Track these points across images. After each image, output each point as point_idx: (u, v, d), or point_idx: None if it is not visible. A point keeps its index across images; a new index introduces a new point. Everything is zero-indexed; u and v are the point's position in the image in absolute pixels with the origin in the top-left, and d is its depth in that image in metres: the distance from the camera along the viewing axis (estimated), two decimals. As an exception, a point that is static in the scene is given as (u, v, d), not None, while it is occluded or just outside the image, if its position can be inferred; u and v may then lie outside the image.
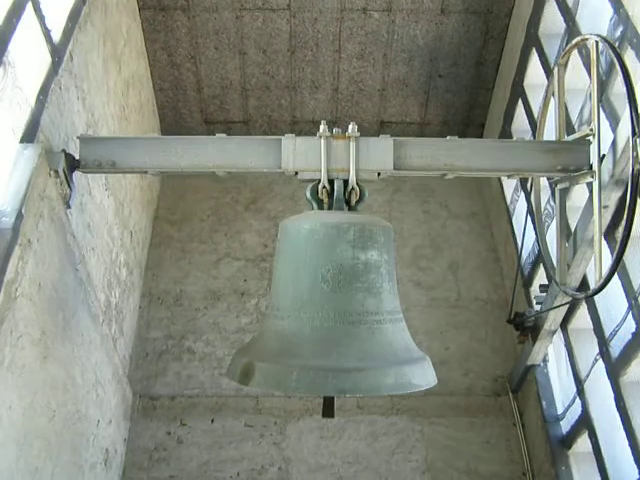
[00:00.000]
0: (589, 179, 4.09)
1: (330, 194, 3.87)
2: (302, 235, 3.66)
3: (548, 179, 4.85)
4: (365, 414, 6.45)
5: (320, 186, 3.87)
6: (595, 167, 4.03)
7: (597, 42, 4.03)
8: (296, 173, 4.07)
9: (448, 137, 4.31)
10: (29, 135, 4.07)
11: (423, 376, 3.36)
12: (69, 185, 4.24)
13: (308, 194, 3.89)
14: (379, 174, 4.07)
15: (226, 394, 6.56)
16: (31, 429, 3.98)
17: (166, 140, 4.33)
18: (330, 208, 3.83)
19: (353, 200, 3.85)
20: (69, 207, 4.39)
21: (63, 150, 4.20)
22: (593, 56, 4.06)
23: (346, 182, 3.88)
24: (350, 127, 4.03)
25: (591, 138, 4.15)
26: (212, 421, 6.41)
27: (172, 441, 6.30)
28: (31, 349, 3.91)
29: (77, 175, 4.30)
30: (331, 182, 3.88)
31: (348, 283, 3.46)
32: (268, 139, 4.19)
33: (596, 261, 3.79)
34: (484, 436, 6.38)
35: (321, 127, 4.00)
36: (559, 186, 4.54)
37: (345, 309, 3.40)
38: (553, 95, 4.74)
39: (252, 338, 3.72)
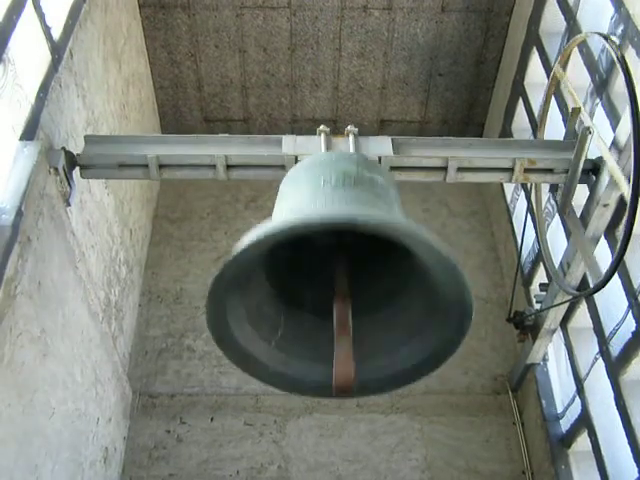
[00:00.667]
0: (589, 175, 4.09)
1: None
2: (303, 165, 3.46)
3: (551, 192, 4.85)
4: (365, 413, 6.44)
5: None
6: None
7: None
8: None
9: (445, 137, 4.32)
10: (29, 133, 4.07)
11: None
12: (69, 183, 4.24)
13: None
14: (380, 159, 4.07)
15: (226, 392, 6.55)
16: (31, 427, 3.99)
17: (167, 139, 4.35)
18: None
19: None
20: (69, 205, 4.39)
21: (63, 148, 4.20)
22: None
23: None
24: (349, 127, 4.05)
25: (589, 136, 4.15)
26: (212, 419, 6.41)
27: (172, 439, 6.29)
28: (30, 347, 3.91)
29: (76, 173, 4.30)
30: None
31: (354, 185, 3.10)
32: (269, 138, 4.22)
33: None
34: (484, 435, 6.38)
35: (321, 126, 4.02)
36: (559, 189, 4.54)
37: (353, 198, 3.03)
38: (554, 95, 4.75)
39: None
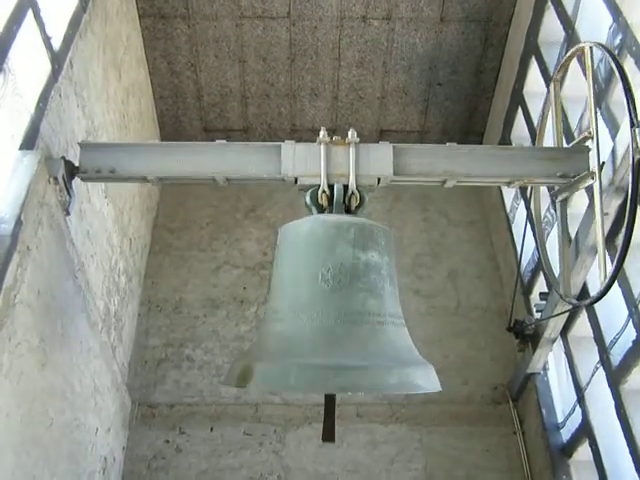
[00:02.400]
0: (589, 181, 4.08)
1: (330, 199, 3.85)
2: (301, 236, 3.62)
3: (548, 190, 4.85)
4: (364, 422, 6.43)
5: (320, 191, 3.85)
6: (595, 169, 4.02)
7: (592, 48, 4.07)
8: (296, 181, 4.07)
9: (447, 144, 4.31)
10: (29, 142, 4.07)
11: (427, 379, 3.26)
12: (68, 192, 4.24)
13: (307, 199, 3.87)
14: (379, 180, 4.07)
15: (225, 402, 6.54)
16: (29, 437, 3.97)
17: (166, 147, 4.34)
18: (330, 213, 3.81)
19: (353, 205, 3.83)
20: (68, 214, 4.38)
21: (63, 157, 4.20)
22: (588, 62, 4.09)
23: (346, 187, 3.87)
24: (350, 133, 4.04)
25: (590, 142, 4.15)
26: (211, 429, 6.39)
27: (171, 449, 6.27)
28: (29, 356, 3.89)
29: (76, 182, 4.30)
30: (331, 187, 3.87)
31: (349, 283, 3.36)
32: (268, 145, 4.21)
33: (600, 266, 3.76)
34: (484, 444, 6.36)
35: (321, 133, 4.01)
36: (559, 197, 4.53)
37: (346, 309, 3.29)
38: (551, 107, 4.75)
39: (250, 345, 3.69)
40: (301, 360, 3.13)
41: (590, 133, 4.15)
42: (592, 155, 4.14)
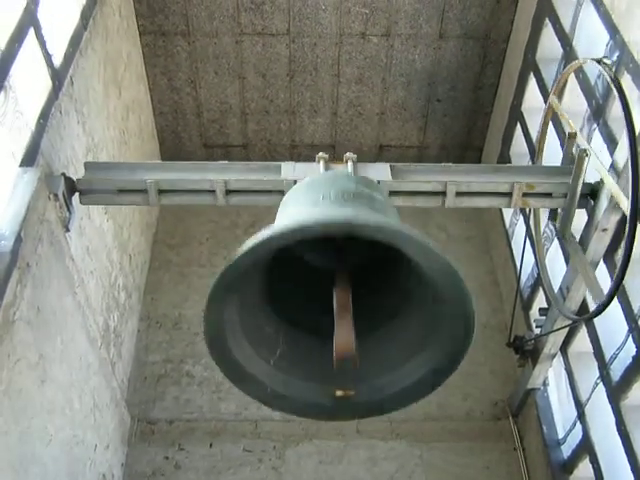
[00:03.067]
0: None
1: None
2: (301, 186, 3.50)
3: (549, 217, 4.87)
4: (364, 438, 6.40)
5: None
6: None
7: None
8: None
9: (443, 164, 4.35)
10: (29, 159, 4.09)
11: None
12: (68, 209, 4.26)
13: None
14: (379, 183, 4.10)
15: (225, 418, 6.51)
16: (27, 454, 3.95)
17: (168, 166, 4.39)
18: None
19: None
20: (68, 230, 4.40)
21: (63, 174, 4.22)
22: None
23: None
24: (348, 154, 4.08)
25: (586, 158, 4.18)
26: (210, 445, 6.36)
27: (170, 466, 6.24)
28: (28, 373, 3.89)
29: (76, 199, 4.32)
30: None
31: (353, 199, 3.12)
32: (268, 165, 4.26)
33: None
34: (484, 461, 6.33)
35: (320, 153, 4.06)
36: (559, 219, 4.56)
37: (349, 210, 3.03)
38: (551, 120, 4.79)
39: None
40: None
41: (587, 151, 4.18)
42: (590, 172, 4.17)
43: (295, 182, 4.06)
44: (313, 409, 3.37)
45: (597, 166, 4.20)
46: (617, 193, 4.02)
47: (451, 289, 2.86)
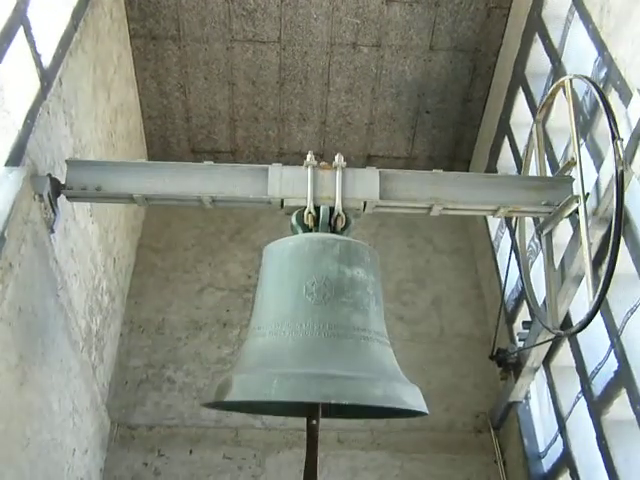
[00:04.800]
0: (574, 205, 4.11)
1: (316, 220, 3.87)
2: (286, 252, 3.59)
3: (534, 222, 4.88)
4: (345, 449, 6.37)
5: (306, 212, 3.88)
6: (579, 193, 4.07)
7: (571, 80, 4.18)
8: (282, 205, 4.09)
9: (434, 170, 4.35)
10: (15, 158, 4.05)
11: (414, 397, 3.14)
12: (53, 210, 4.22)
13: (293, 220, 3.90)
14: (365, 204, 4.09)
15: (205, 425, 6.47)
16: (4, 457, 3.90)
17: (153, 166, 4.35)
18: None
19: (339, 226, 3.86)
20: (53, 232, 4.36)
21: (49, 174, 4.19)
22: (569, 92, 4.17)
23: (332, 209, 3.89)
24: (337, 158, 4.08)
25: (574, 171, 4.20)
26: (190, 452, 6.31)
27: (149, 472, 6.18)
28: (7, 375, 3.84)
29: (62, 200, 4.28)
30: (317, 209, 3.89)
31: (334, 297, 3.29)
32: (255, 168, 4.23)
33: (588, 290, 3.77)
34: (465, 473, 6.32)
35: (308, 156, 4.05)
36: (544, 231, 4.57)
37: (330, 322, 3.20)
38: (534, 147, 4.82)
39: (231, 366, 3.64)
40: (283, 370, 3.04)
41: (573, 159, 4.20)
42: (576, 180, 4.18)
43: (282, 202, 4.06)
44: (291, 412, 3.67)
45: (583, 179, 4.22)
46: (602, 207, 4.05)
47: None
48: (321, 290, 3.30)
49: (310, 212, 3.87)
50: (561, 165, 4.56)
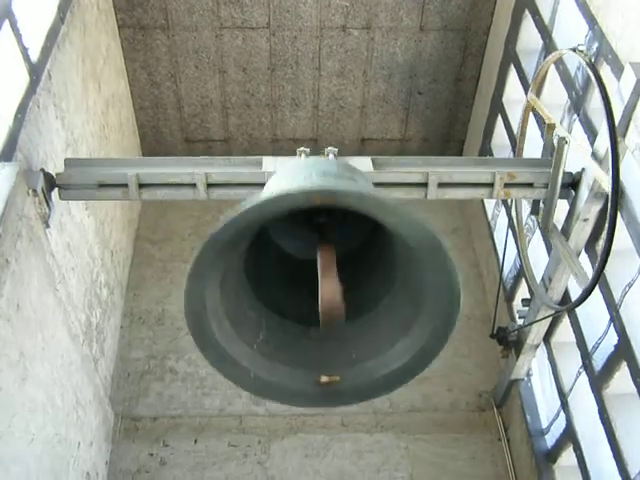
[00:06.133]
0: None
1: None
2: (286, 167, 3.49)
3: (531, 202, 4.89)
4: (350, 432, 6.40)
5: None
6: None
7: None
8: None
9: (425, 156, 4.36)
10: (7, 154, 4.04)
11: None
12: (48, 204, 4.21)
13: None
14: None
15: (209, 414, 6.49)
16: (9, 454, 3.91)
17: (149, 161, 4.36)
18: None
19: None
20: (48, 226, 4.35)
21: (42, 169, 4.17)
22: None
23: None
24: (329, 148, 4.08)
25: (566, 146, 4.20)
26: (195, 441, 6.34)
27: (155, 462, 6.21)
28: (9, 371, 3.84)
29: (56, 194, 4.27)
30: None
31: (334, 178, 3.05)
32: (249, 160, 4.24)
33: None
34: (469, 452, 6.35)
35: (301, 147, 4.05)
36: (541, 210, 4.59)
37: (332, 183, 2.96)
38: (532, 112, 4.80)
39: None
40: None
41: (566, 140, 4.20)
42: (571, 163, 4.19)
43: None
44: (298, 396, 3.29)
45: (578, 155, 4.21)
46: (600, 178, 4.04)
47: (435, 258, 2.81)
48: (321, 174, 3.06)
49: None
50: (555, 141, 4.54)
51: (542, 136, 5.59)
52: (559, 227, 4.76)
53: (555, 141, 4.54)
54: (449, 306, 2.96)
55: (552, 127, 4.49)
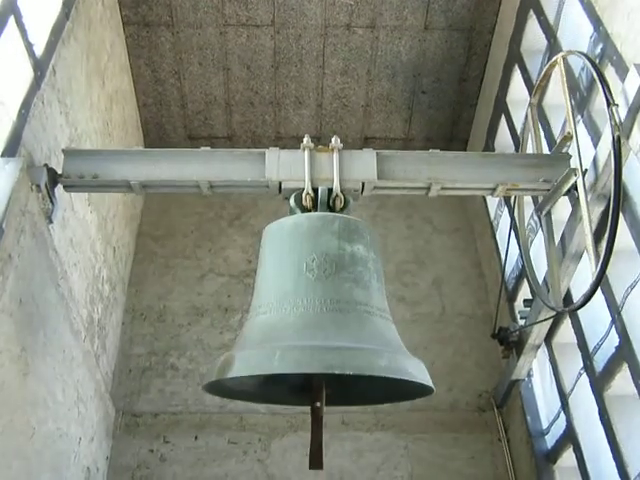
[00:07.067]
0: (572, 179, 4.10)
1: (314, 202, 3.86)
2: (285, 230, 3.59)
3: (533, 202, 4.87)
4: (350, 430, 6.41)
5: (304, 193, 3.86)
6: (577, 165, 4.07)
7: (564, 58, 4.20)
8: (280, 189, 4.07)
9: (430, 150, 4.34)
10: (11, 149, 4.04)
11: (419, 371, 3.08)
12: (51, 200, 4.21)
13: (292, 201, 3.88)
14: (363, 185, 4.08)
15: (210, 411, 6.49)
16: (10, 448, 3.92)
17: (150, 153, 4.34)
18: None
19: (337, 207, 3.84)
20: (51, 222, 4.35)
21: (45, 165, 4.18)
22: (562, 69, 4.16)
23: (330, 190, 3.88)
24: (333, 140, 4.06)
25: (571, 146, 4.18)
26: (195, 438, 6.35)
27: (155, 459, 6.22)
28: (11, 366, 3.85)
29: (59, 190, 4.27)
30: (315, 191, 3.88)
31: (335, 272, 3.25)
32: (252, 152, 4.21)
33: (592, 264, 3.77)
34: (469, 452, 6.36)
35: (305, 139, 4.03)
36: (543, 212, 4.56)
37: (332, 297, 3.17)
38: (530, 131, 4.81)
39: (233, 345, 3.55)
40: (285, 343, 3.00)
41: (570, 133, 4.19)
42: (574, 154, 4.17)
43: (280, 185, 4.04)
44: (291, 397, 3.65)
45: (580, 154, 4.20)
46: (600, 184, 4.04)
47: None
48: (322, 266, 3.27)
49: (308, 193, 3.86)
50: (558, 140, 4.53)
51: (546, 136, 5.60)
52: (561, 227, 4.76)
53: (558, 140, 4.54)
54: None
55: (568, 138, 4.44)
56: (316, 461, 3.30)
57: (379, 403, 3.98)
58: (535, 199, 4.77)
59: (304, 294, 3.19)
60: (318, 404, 3.22)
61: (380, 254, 3.66)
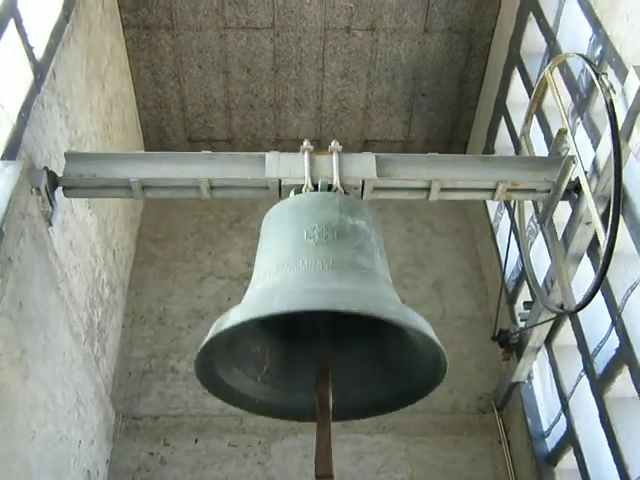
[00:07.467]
0: (572, 166, 4.12)
1: None
2: (286, 208, 3.57)
3: (533, 205, 4.88)
4: (350, 433, 6.40)
5: (304, 188, 3.86)
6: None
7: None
8: (279, 190, 4.07)
9: (429, 153, 4.34)
10: (10, 152, 4.04)
11: (426, 326, 2.90)
12: (51, 203, 4.21)
13: (292, 194, 3.88)
14: (364, 182, 4.08)
15: (210, 414, 6.48)
16: (10, 451, 3.92)
17: (151, 156, 4.35)
18: None
19: None
20: (51, 225, 4.36)
21: (45, 167, 4.18)
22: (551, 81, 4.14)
23: (330, 186, 3.88)
24: (333, 143, 4.07)
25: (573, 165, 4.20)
26: (196, 441, 6.34)
27: (155, 462, 6.21)
28: (11, 369, 3.85)
29: (59, 193, 4.27)
30: (315, 187, 3.88)
31: (336, 239, 3.17)
32: (252, 155, 4.23)
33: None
34: (469, 454, 6.35)
35: (304, 142, 4.04)
36: (546, 221, 4.59)
37: (334, 258, 3.05)
38: (535, 113, 4.80)
39: None
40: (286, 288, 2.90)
41: (564, 128, 4.22)
42: (570, 146, 4.19)
43: (280, 182, 4.04)
44: (295, 412, 3.62)
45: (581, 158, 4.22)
46: (600, 186, 4.04)
47: (428, 349, 3.11)
48: (323, 233, 3.19)
49: (308, 187, 3.85)
50: (554, 136, 4.54)
51: (546, 139, 5.61)
52: (561, 230, 4.76)
53: (561, 150, 4.56)
54: (436, 371, 3.30)
55: (563, 132, 4.47)
56: (323, 465, 3.05)
57: (379, 412, 3.84)
58: (535, 203, 4.78)
59: (305, 256, 3.08)
60: (322, 419, 3.22)
61: (381, 234, 3.58)
